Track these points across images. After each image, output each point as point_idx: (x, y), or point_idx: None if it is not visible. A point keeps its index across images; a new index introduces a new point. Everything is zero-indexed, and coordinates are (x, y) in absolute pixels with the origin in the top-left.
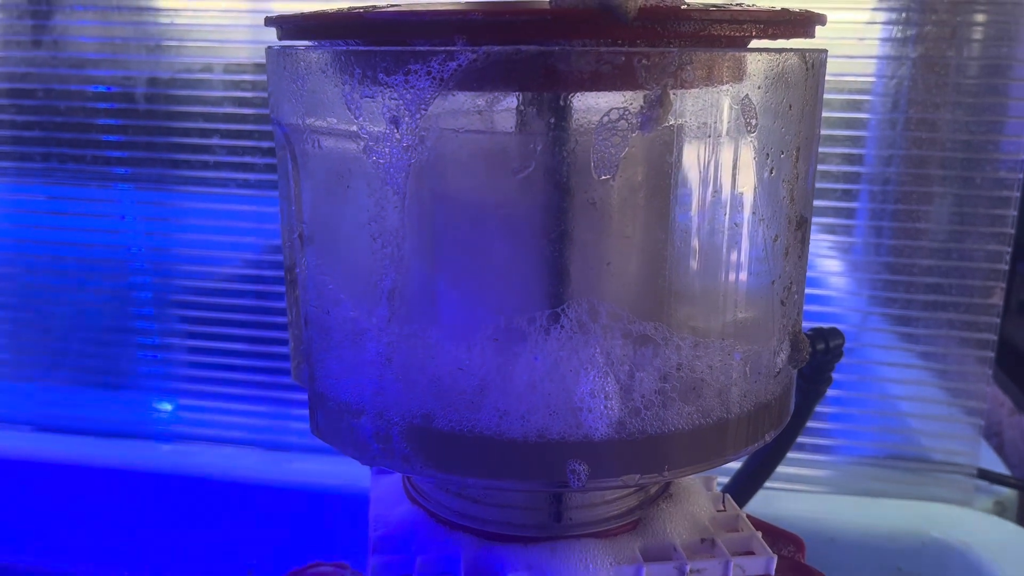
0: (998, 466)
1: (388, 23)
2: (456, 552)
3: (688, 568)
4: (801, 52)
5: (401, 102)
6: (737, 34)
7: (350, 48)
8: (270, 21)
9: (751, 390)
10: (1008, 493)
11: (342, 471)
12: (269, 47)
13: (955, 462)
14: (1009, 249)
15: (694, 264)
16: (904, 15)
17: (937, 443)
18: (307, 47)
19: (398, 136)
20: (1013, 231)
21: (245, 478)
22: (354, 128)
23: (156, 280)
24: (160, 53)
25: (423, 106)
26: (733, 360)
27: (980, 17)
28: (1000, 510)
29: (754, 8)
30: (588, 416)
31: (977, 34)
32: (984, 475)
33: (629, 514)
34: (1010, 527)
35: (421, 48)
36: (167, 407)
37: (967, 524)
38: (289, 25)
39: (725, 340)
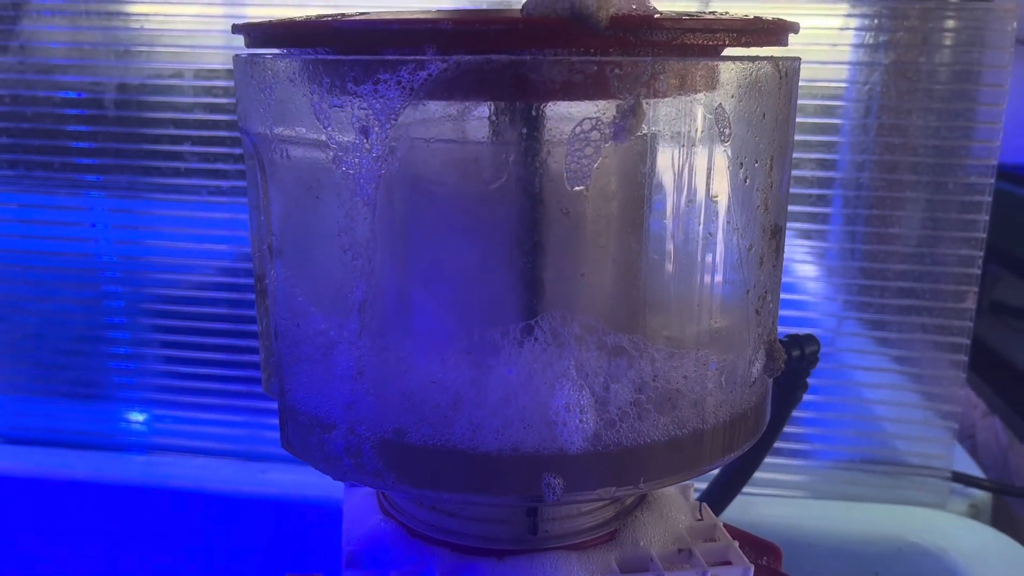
0: (972, 468)
1: (357, 32)
2: (430, 566)
3: None
4: (774, 60)
5: (371, 112)
6: (710, 43)
7: (319, 57)
8: (237, 29)
9: (727, 400)
10: (982, 496)
11: (318, 481)
12: (236, 55)
13: (930, 465)
14: (981, 253)
15: (668, 274)
16: (876, 21)
17: (912, 447)
18: (275, 55)
19: (368, 146)
20: (985, 235)
21: (219, 490)
22: (323, 138)
23: (128, 289)
24: (130, 59)
25: (393, 116)
26: (708, 370)
27: (951, 23)
28: (975, 513)
29: (727, 17)
30: (563, 429)
31: (948, 40)
32: (959, 478)
33: (605, 525)
34: (985, 530)
35: (391, 57)
36: (140, 418)
37: (943, 528)
38: (257, 33)
39: (700, 350)
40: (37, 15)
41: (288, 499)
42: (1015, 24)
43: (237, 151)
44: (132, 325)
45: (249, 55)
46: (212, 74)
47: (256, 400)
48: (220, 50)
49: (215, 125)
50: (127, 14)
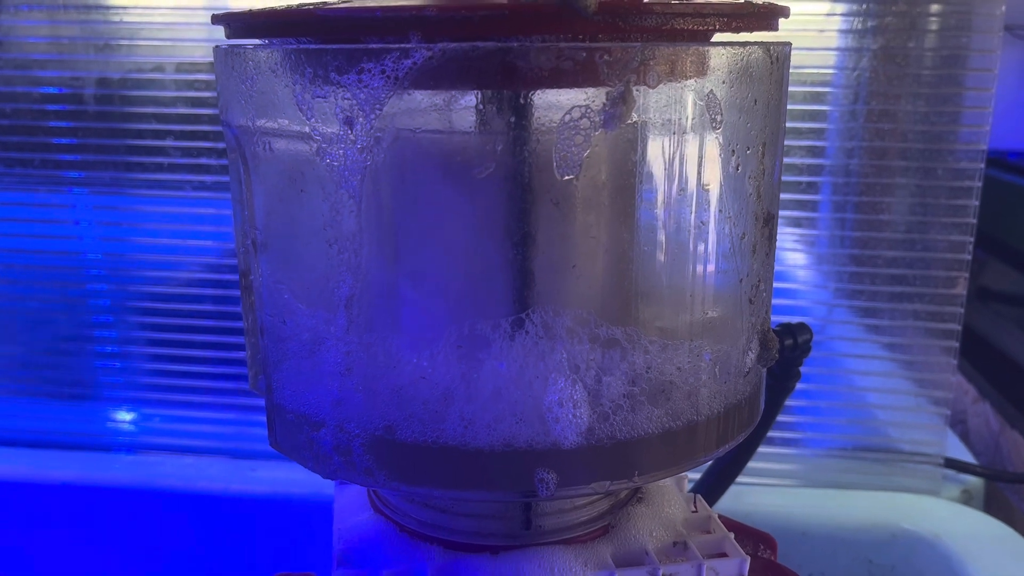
0: (964, 455)
1: (339, 20)
2: (422, 564)
3: (661, 573)
4: (765, 46)
5: (355, 102)
6: (700, 28)
7: (301, 46)
8: (217, 19)
9: (721, 391)
10: (975, 481)
11: (308, 479)
12: (217, 46)
13: (923, 452)
14: (971, 239)
15: (661, 264)
16: (864, 6)
17: (904, 433)
18: (256, 46)
19: (352, 137)
20: (975, 221)
21: (209, 489)
22: (306, 129)
23: (114, 286)
24: (110, 52)
25: (378, 106)
26: (702, 361)
27: (938, 7)
28: (967, 498)
29: (717, 1)
30: (556, 423)
31: (935, 24)
32: (951, 464)
33: (600, 519)
34: (978, 516)
35: (374, 46)
36: (127, 417)
37: (936, 514)
38: (237, 23)
39: (694, 341)
40: (15, 10)
41: (278, 497)
42: (1003, 8)
43: (221, 145)
44: (118, 323)
45: (230, 46)
46: (194, 67)
47: (245, 398)
48: (202, 43)
49: (198, 119)
50: (106, 7)
